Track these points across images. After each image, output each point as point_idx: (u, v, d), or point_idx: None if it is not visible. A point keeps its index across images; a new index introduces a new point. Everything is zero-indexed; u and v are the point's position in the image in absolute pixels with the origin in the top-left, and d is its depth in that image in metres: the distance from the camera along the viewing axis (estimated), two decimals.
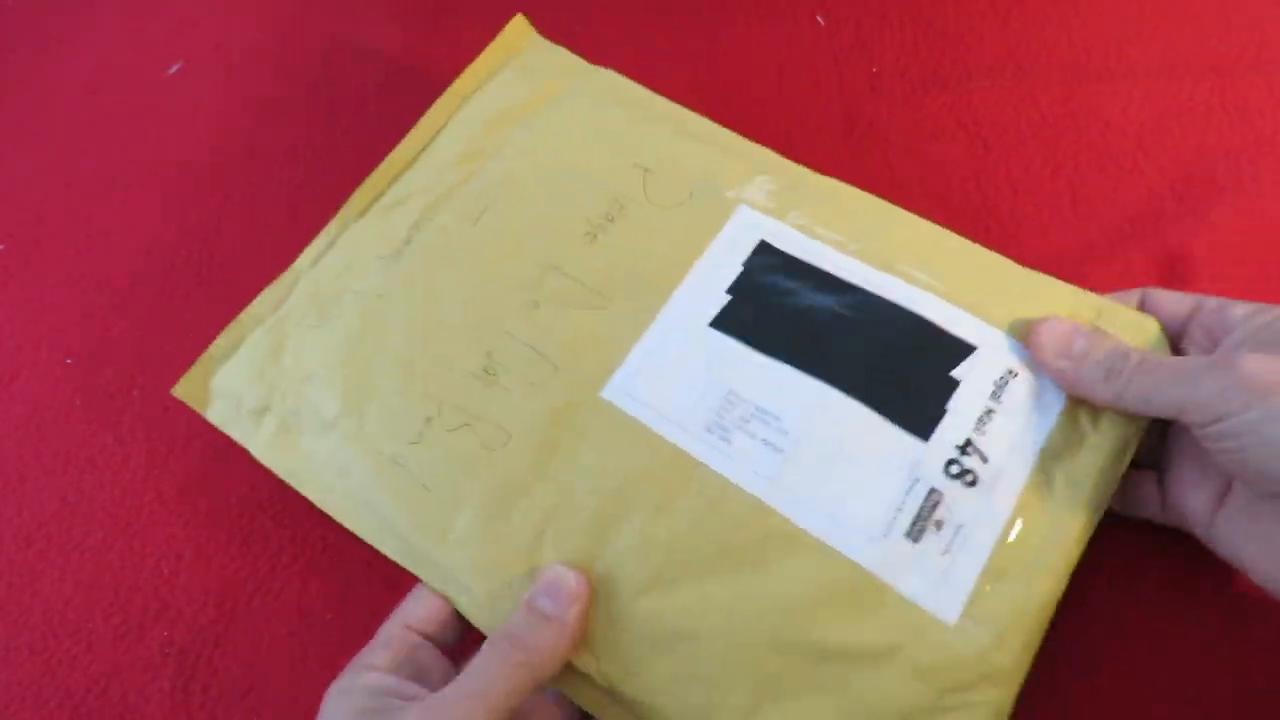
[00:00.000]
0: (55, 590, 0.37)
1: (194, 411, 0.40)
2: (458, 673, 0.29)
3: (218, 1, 0.54)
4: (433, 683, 0.29)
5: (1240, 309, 0.31)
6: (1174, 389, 0.29)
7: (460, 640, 0.33)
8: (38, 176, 0.48)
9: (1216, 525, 0.30)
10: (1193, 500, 0.31)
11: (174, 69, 0.51)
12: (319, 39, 0.52)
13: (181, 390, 0.37)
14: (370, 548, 0.34)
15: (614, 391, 0.33)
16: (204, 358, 0.37)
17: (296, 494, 0.35)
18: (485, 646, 0.29)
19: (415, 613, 0.32)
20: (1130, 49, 0.46)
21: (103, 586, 0.37)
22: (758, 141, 0.38)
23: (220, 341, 0.37)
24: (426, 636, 0.32)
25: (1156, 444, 0.33)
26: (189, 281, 0.44)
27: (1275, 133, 0.43)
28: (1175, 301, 0.33)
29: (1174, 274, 0.39)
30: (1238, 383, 0.27)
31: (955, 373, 0.32)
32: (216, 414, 0.36)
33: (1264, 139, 0.43)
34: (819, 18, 0.49)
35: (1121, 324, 0.33)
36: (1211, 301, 0.32)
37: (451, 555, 0.32)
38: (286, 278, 0.38)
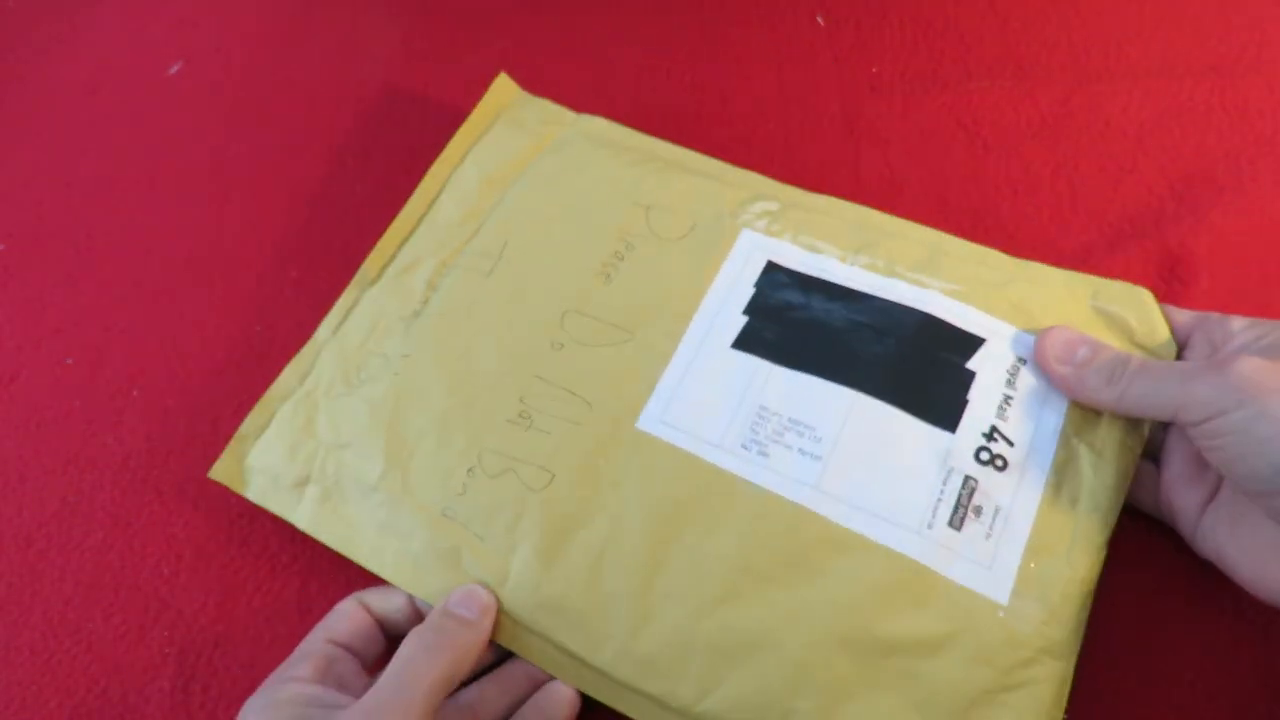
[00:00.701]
0: (55, 590, 0.37)
1: (194, 412, 0.40)
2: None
3: (218, 1, 0.54)
4: (353, 695, 0.29)
5: (1238, 322, 0.32)
6: (1172, 389, 0.30)
7: (382, 655, 0.33)
8: (38, 176, 0.48)
9: (1202, 524, 0.32)
10: (1183, 499, 0.32)
11: (174, 69, 0.51)
12: (319, 39, 0.52)
13: (217, 473, 0.36)
14: None
15: (649, 421, 0.34)
16: (236, 438, 0.37)
17: None
18: (407, 645, 0.29)
19: (338, 627, 0.32)
20: (1130, 49, 0.46)
21: (103, 586, 0.37)
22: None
23: (250, 420, 0.37)
24: (349, 650, 0.32)
25: (1160, 439, 0.34)
26: (189, 281, 0.44)
27: (1275, 133, 0.43)
28: (1178, 315, 0.34)
29: (1174, 274, 0.39)
30: (1232, 382, 0.28)
31: (970, 364, 0.33)
32: (256, 492, 0.36)
33: (1264, 139, 0.43)
34: (819, 18, 0.49)
35: (1117, 297, 0.35)
36: (1214, 315, 0.33)
37: (513, 598, 0.32)
38: (308, 349, 0.38)
